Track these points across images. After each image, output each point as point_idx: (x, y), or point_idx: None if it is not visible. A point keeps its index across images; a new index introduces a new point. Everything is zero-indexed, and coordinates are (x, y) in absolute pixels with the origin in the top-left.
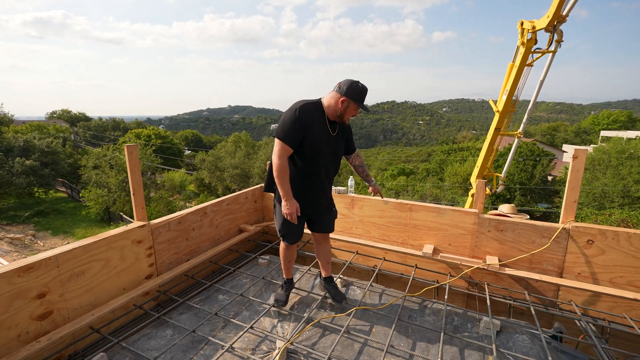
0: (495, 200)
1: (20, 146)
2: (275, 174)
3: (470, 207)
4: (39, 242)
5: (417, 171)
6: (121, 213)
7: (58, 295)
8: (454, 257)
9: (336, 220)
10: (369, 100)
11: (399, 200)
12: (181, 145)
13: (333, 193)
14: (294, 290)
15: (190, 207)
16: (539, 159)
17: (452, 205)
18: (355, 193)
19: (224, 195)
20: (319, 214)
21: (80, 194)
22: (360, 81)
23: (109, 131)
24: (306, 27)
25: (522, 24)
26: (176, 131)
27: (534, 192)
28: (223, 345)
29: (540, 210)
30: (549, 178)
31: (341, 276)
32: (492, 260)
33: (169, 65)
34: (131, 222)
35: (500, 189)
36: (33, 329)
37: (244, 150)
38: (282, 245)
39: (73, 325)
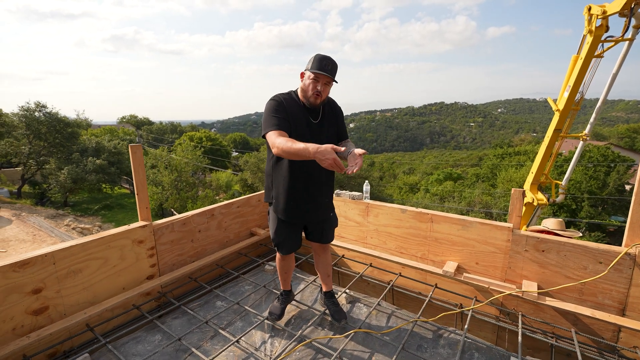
0: (557, 210)
1: (93, 147)
2: (285, 154)
3: (523, 219)
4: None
5: (465, 176)
6: (172, 209)
7: (54, 291)
8: (481, 279)
9: (350, 229)
10: (415, 101)
11: (418, 209)
12: (229, 147)
13: (346, 199)
14: (293, 302)
15: None
16: (614, 165)
17: (505, 214)
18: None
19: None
20: (315, 221)
21: None
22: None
23: (168, 134)
24: (351, 30)
25: (589, 9)
26: (226, 134)
27: (607, 202)
28: (204, 359)
29: (614, 224)
30: (627, 187)
31: (347, 291)
32: (530, 287)
33: (222, 73)
34: (176, 215)
35: (560, 198)
36: (28, 323)
37: None
38: (277, 254)
39: (68, 321)
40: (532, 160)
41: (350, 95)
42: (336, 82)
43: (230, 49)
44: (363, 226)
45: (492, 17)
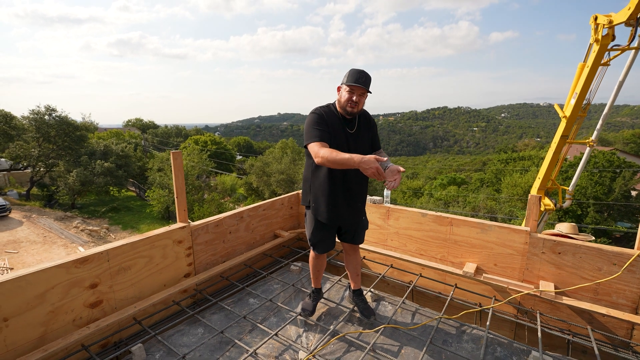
0: (563, 215)
1: (101, 150)
2: (329, 163)
3: None
4: (111, 234)
5: (469, 181)
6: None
7: (107, 286)
8: (500, 280)
9: (370, 231)
10: (418, 106)
11: (438, 213)
12: (233, 150)
13: (368, 203)
14: (322, 300)
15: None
16: (620, 171)
17: (510, 220)
18: (391, 204)
19: (270, 199)
20: (348, 223)
21: (146, 194)
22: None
23: (173, 137)
24: (354, 35)
25: (595, 18)
26: (230, 137)
27: (613, 208)
28: (247, 350)
29: (620, 230)
30: (633, 193)
31: (372, 290)
32: (547, 287)
33: (226, 77)
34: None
35: (567, 203)
36: (86, 315)
37: (290, 156)
38: (311, 253)
39: (119, 315)
40: (537, 166)
41: None
42: (370, 92)
43: (234, 53)
44: (384, 229)
45: (495, 22)
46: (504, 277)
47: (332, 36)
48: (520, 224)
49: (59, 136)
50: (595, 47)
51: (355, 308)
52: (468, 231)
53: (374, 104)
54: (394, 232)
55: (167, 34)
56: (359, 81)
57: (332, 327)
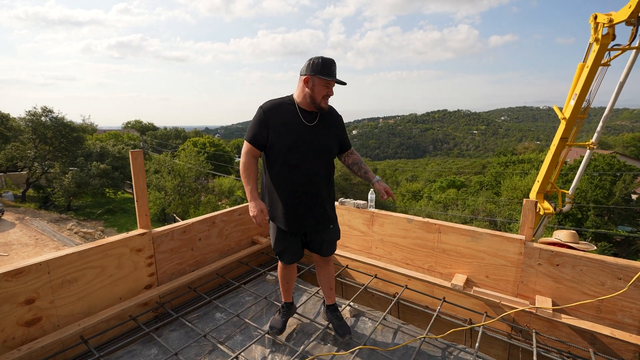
0: (563, 219)
1: (97, 152)
2: (241, 173)
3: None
4: (106, 237)
5: (469, 184)
6: (174, 215)
7: (48, 301)
8: (491, 294)
9: (354, 238)
10: (418, 109)
11: (425, 219)
12: (232, 152)
13: (350, 207)
14: (295, 315)
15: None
16: (620, 174)
17: (509, 223)
18: (375, 208)
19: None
20: (313, 231)
21: None
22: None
23: (172, 139)
24: (354, 38)
25: (595, 17)
26: (229, 140)
27: (613, 212)
28: None
29: (620, 234)
30: (633, 196)
31: (351, 304)
32: (544, 303)
33: (226, 79)
34: (179, 221)
35: (567, 207)
36: (20, 335)
37: None
38: (279, 264)
39: (62, 333)
40: (537, 169)
41: (353, 102)
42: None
43: (234, 56)
44: (368, 236)
45: (495, 26)
46: (497, 290)
47: (332, 39)
48: (519, 227)
49: (56, 137)
50: (595, 47)
51: (330, 325)
52: (457, 239)
53: (373, 107)
54: (378, 239)
55: (167, 36)
56: (334, 74)
57: (302, 347)
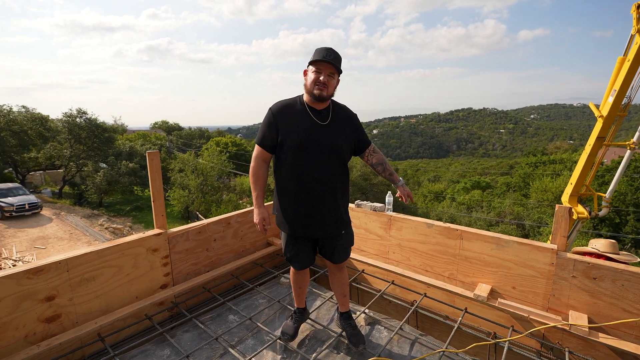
0: (598, 224)
1: (127, 151)
2: (250, 177)
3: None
4: (133, 232)
5: (495, 185)
6: (197, 212)
7: (67, 299)
8: (519, 307)
9: (370, 242)
10: (441, 107)
11: (446, 224)
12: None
13: (367, 210)
14: (308, 321)
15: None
16: None
17: (539, 227)
18: (393, 212)
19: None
20: (325, 236)
21: (167, 194)
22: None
23: (196, 139)
24: (375, 36)
25: (638, 7)
26: (251, 139)
27: None
28: None
29: None
30: None
31: (367, 311)
32: (579, 319)
33: (248, 81)
34: (202, 219)
35: (603, 211)
36: (40, 331)
37: None
38: (291, 268)
39: (80, 330)
40: (570, 170)
41: (374, 101)
42: (340, 71)
43: (256, 57)
44: (385, 240)
45: (524, 20)
46: (525, 303)
47: (353, 38)
48: (550, 231)
49: (89, 137)
50: (638, 39)
51: (344, 333)
52: (481, 246)
53: (394, 106)
54: (396, 243)
55: (192, 39)
56: (327, 57)
57: (313, 355)
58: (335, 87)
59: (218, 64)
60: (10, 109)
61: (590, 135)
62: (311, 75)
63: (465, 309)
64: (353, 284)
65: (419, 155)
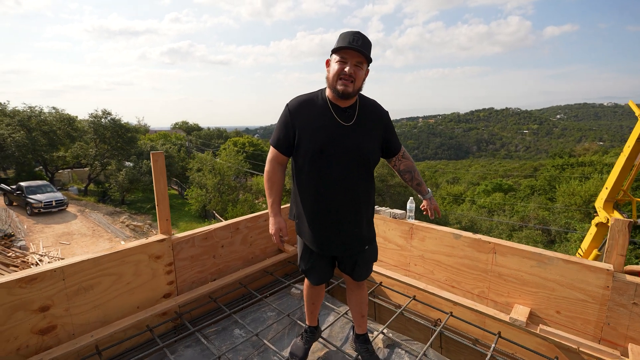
0: (636, 233)
1: (148, 151)
2: (264, 182)
3: (593, 241)
4: (153, 230)
5: (518, 188)
6: (214, 212)
7: (63, 309)
8: (566, 336)
9: (390, 252)
10: (461, 107)
11: (477, 236)
12: None
13: (386, 217)
14: (320, 340)
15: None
16: None
17: (566, 233)
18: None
19: None
20: (345, 250)
21: (185, 193)
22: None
23: (214, 139)
24: (393, 36)
25: None
26: (268, 139)
27: None
28: None
29: None
30: None
31: (385, 332)
32: None
33: (266, 81)
34: (221, 220)
35: None
36: (34, 343)
37: None
38: (305, 281)
39: (77, 342)
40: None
41: (391, 101)
42: (370, 60)
43: (274, 58)
44: (406, 250)
45: (551, 16)
46: (572, 332)
47: (370, 37)
48: (579, 238)
49: (113, 137)
50: None
51: (359, 357)
52: (518, 263)
53: (412, 106)
54: (418, 255)
55: (212, 41)
56: (354, 43)
57: None
58: (364, 80)
59: (236, 65)
60: (41, 110)
61: (629, 137)
62: (334, 66)
63: (499, 333)
64: (369, 297)
65: (437, 156)
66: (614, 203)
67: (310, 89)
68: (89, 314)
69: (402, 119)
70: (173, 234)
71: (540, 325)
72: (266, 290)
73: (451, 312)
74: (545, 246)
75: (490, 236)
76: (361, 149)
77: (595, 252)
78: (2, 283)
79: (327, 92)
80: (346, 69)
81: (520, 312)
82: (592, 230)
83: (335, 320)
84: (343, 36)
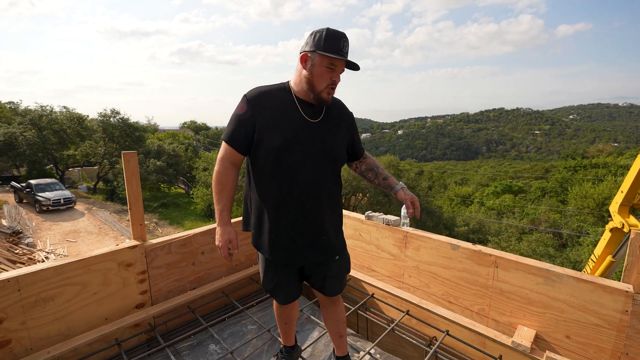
0: None
1: (155, 150)
2: (213, 182)
3: (607, 247)
4: (159, 229)
5: (528, 190)
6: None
7: (19, 322)
8: None
9: (383, 261)
10: (470, 107)
11: (477, 247)
12: None
13: (378, 223)
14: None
15: None
16: None
17: (578, 237)
18: (410, 227)
19: None
20: (310, 264)
21: (191, 192)
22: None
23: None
24: (401, 35)
25: None
26: None
27: None
28: None
29: None
30: None
31: (373, 352)
32: None
33: (274, 80)
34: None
35: None
36: None
37: None
38: (274, 301)
39: (35, 358)
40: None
41: (399, 101)
42: (358, 69)
43: (282, 58)
44: (399, 260)
45: (563, 14)
46: (584, 359)
47: (379, 37)
48: (592, 242)
49: (121, 136)
50: None
51: None
52: (522, 279)
53: (421, 106)
54: (412, 265)
55: (221, 41)
56: (343, 51)
57: None
58: None
59: (245, 65)
60: (52, 109)
61: None
62: (323, 72)
63: (500, 357)
64: (359, 311)
65: (446, 157)
66: (629, 207)
67: None
68: (49, 326)
69: (411, 119)
70: (151, 238)
71: (547, 351)
72: (251, 299)
73: (447, 331)
74: (556, 250)
75: (499, 239)
76: (330, 146)
77: (609, 258)
78: None
79: (295, 87)
80: (335, 79)
81: (524, 335)
82: (606, 235)
83: (320, 337)
84: (332, 39)
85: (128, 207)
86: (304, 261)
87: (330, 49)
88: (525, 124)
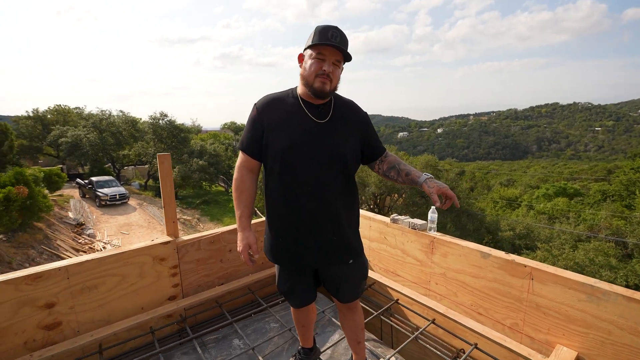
0: None
1: (198, 150)
2: (233, 190)
3: None
4: (200, 224)
5: (586, 193)
6: (256, 209)
7: (68, 307)
8: None
9: (409, 267)
10: (518, 103)
11: (511, 257)
12: None
13: (404, 227)
14: None
15: None
16: None
17: None
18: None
19: None
20: (325, 265)
21: (230, 190)
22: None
23: None
24: (442, 29)
25: None
26: None
27: None
28: None
29: None
30: None
31: (395, 357)
32: None
33: None
34: (261, 217)
35: None
36: (40, 338)
37: None
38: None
39: (81, 339)
40: None
41: (439, 98)
42: (349, 59)
43: None
44: (426, 266)
45: None
46: None
47: (417, 32)
48: None
49: (169, 137)
50: None
51: None
52: (562, 294)
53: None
54: (439, 272)
55: (260, 45)
56: (333, 39)
57: None
58: (339, 78)
59: (283, 67)
60: (110, 113)
61: None
62: (311, 63)
63: None
64: (383, 317)
65: (490, 156)
66: None
67: (353, 87)
68: (93, 312)
69: (451, 116)
70: (181, 236)
71: None
72: (276, 297)
73: (476, 344)
74: (619, 261)
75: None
76: (336, 146)
77: None
78: (9, 279)
79: (299, 90)
80: (325, 68)
81: (563, 356)
82: None
83: (340, 340)
84: (320, 31)
85: (162, 206)
86: (313, 262)
87: (317, 41)
88: (583, 120)
